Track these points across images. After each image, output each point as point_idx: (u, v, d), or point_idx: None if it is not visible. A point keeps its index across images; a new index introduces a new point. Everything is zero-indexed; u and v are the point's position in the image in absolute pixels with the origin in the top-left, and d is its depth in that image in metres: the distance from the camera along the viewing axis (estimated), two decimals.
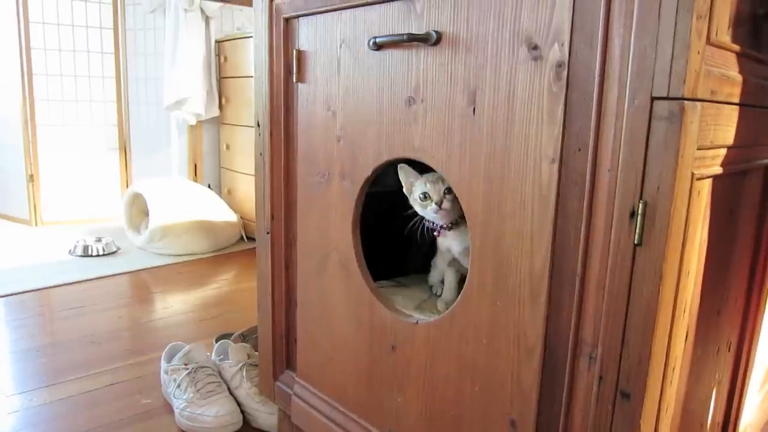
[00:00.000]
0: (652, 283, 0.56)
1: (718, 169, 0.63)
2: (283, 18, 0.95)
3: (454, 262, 0.95)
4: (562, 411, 0.65)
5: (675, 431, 0.72)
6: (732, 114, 0.63)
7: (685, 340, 0.66)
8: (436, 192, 0.85)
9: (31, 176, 3.17)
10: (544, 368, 0.66)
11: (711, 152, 0.60)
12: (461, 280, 0.93)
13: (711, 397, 0.84)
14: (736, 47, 0.61)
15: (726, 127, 0.62)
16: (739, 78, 0.63)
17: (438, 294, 1.00)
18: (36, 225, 3.20)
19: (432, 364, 0.80)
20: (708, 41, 0.54)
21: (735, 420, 0.91)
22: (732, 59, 0.61)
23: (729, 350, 0.84)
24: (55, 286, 2.20)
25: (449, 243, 0.91)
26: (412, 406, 0.84)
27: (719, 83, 0.58)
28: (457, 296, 0.76)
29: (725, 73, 0.59)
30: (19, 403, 1.36)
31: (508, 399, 0.70)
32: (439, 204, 0.84)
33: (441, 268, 0.99)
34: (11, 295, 2.09)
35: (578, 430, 0.64)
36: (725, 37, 0.58)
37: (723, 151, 0.63)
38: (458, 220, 0.88)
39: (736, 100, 0.63)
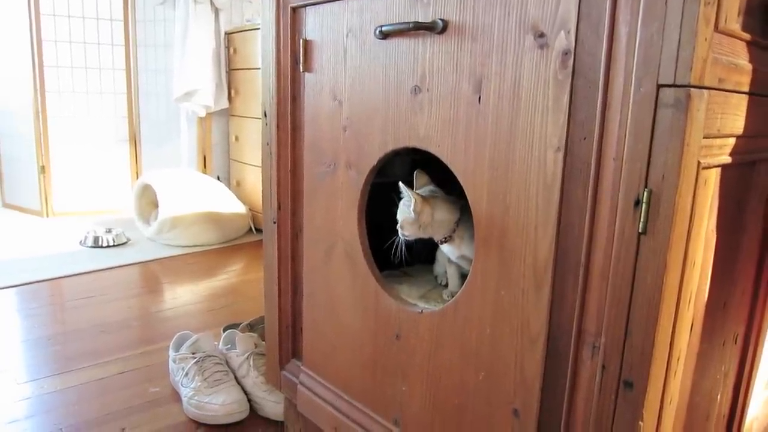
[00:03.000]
0: (656, 272, 0.55)
1: (725, 159, 0.62)
2: (291, 7, 0.95)
3: (452, 262, 0.95)
4: (565, 400, 0.65)
5: (680, 423, 0.72)
6: (740, 103, 0.62)
7: (690, 331, 0.65)
8: (402, 215, 0.87)
9: (43, 167, 3.20)
10: (547, 357, 0.66)
11: (718, 141, 0.60)
12: (463, 274, 0.93)
13: (717, 390, 0.84)
14: (746, 36, 0.60)
15: (734, 115, 0.61)
16: (748, 67, 0.62)
17: (443, 284, 1.00)
18: (47, 216, 3.23)
19: (436, 353, 0.80)
20: (716, 29, 0.54)
21: (741, 413, 0.91)
22: (741, 47, 0.61)
23: (735, 343, 0.84)
24: (66, 276, 2.22)
25: (446, 250, 0.92)
26: (417, 395, 0.84)
27: (727, 71, 0.57)
28: (461, 287, 0.76)
29: (734, 61, 0.59)
30: (31, 390, 1.37)
31: (512, 388, 0.70)
32: (402, 228, 0.87)
33: (443, 262, 1.00)
34: (23, 284, 2.11)
35: (581, 419, 0.64)
36: (734, 24, 0.57)
37: (731, 141, 0.63)
38: (451, 236, 0.88)
39: (746, 89, 0.62)
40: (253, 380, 1.32)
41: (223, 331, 1.55)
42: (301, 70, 0.96)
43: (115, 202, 3.37)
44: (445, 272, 0.99)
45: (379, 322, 0.89)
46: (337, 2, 0.87)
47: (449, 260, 0.94)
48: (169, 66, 3.23)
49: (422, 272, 1.07)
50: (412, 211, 0.85)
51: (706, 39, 0.52)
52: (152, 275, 2.32)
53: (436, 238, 0.89)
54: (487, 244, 0.71)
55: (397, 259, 0.96)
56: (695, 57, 0.51)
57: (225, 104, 3.13)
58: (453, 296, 0.79)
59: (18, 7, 3.05)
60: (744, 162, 0.68)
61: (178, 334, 1.49)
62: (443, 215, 0.86)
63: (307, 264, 1.03)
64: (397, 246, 0.90)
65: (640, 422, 0.59)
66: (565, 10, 0.59)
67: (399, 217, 0.87)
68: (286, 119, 1.01)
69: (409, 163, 1.01)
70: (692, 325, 0.66)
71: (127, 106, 3.36)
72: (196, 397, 1.27)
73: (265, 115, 1.05)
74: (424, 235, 0.88)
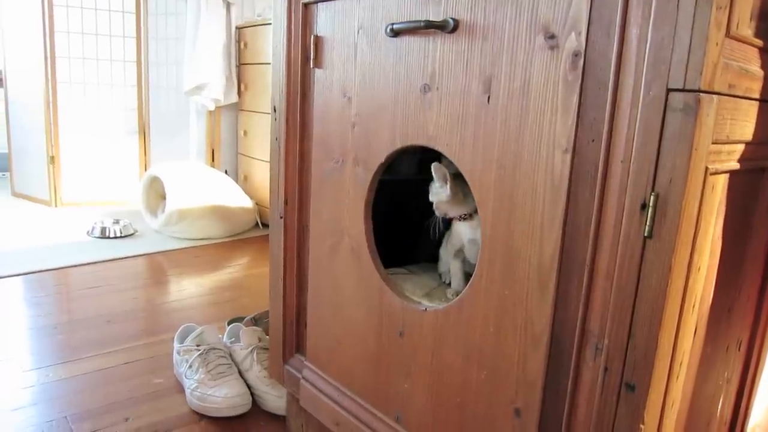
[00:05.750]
0: (661, 276, 0.55)
1: (734, 165, 0.62)
2: (302, 3, 0.96)
3: (459, 252, 0.95)
4: (567, 401, 0.65)
5: (681, 427, 0.72)
6: (751, 109, 0.62)
7: (694, 335, 0.65)
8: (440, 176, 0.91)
9: (52, 158, 3.22)
10: (550, 357, 0.66)
11: (727, 147, 0.60)
12: (467, 273, 0.93)
13: (719, 396, 0.83)
14: (759, 42, 0.60)
15: (744, 122, 0.61)
16: (760, 73, 0.62)
17: (447, 282, 1.00)
18: (56, 206, 3.25)
19: (439, 350, 0.80)
20: (728, 34, 0.53)
21: (743, 420, 0.90)
22: (753, 53, 0.60)
23: (739, 349, 0.84)
24: (73, 266, 2.24)
25: (462, 229, 0.93)
26: (419, 393, 0.85)
27: (738, 77, 0.57)
28: (465, 285, 0.77)
29: (745, 67, 0.59)
30: (36, 378, 1.39)
31: (514, 387, 0.70)
32: (437, 209, 0.92)
33: (446, 259, 1.00)
34: (30, 273, 2.13)
35: (582, 420, 0.64)
36: (747, 30, 0.57)
37: (740, 147, 0.63)
38: (473, 214, 0.89)
39: (757, 95, 0.62)
40: (256, 374, 1.33)
41: (228, 325, 1.56)
42: (312, 66, 0.97)
43: (123, 193, 3.39)
44: (449, 270, 1.00)
45: (383, 318, 0.89)
46: None
47: (457, 251, 0.94)
48: (179, 59, 3.24)
49: (427, 270, 1.07)
50: (449, 190, 0.88)
51: (717, 44, 0.52)
52: (158, 267, 2.33)
53: (457, 214, 0.91)
54: (492, 242, 0.71)
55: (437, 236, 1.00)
56: (706, 62, 0.51)
57: (234, 98, 3.14)
58: (457, 295, 0.80)
59: None
60: (753, 169, 0.68)
61: (183, 326, 1.50)
62: (468, 191, 0.87)
63: (313, 259, 1.03)
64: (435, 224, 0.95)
65: (641, 425, 0.59)
66: (576, 11, 0.59)
67: (433, 199, 0.91)
68: (296, 115, 1.01)
69: (417, 161, 1.01)
70: (696, 329, 0.66)
71: (137, 98, 3.38)
72: (199, 389, 1.28)
73: (275, 111, 1.05)
74: (455, 213, 0.92)
